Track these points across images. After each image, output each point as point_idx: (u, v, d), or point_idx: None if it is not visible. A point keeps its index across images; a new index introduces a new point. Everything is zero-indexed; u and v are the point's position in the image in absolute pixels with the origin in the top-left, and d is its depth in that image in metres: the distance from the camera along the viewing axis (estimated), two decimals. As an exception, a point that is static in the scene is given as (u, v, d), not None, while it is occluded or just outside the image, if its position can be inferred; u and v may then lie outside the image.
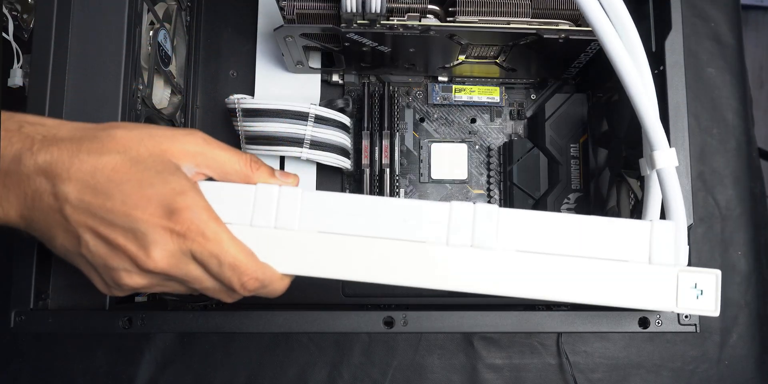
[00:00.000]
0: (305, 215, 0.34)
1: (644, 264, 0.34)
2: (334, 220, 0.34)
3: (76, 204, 0.30)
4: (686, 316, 0.39)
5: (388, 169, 0.51)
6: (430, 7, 0.45)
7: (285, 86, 0.53)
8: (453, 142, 0.55)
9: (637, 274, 0.33)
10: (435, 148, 0.55)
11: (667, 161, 0.36)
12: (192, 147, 0.32)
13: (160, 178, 0.31)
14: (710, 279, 0.33)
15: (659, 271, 0.33)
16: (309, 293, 0.52)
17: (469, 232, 0.34)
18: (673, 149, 0.36)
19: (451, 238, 0.34)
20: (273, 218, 0.34)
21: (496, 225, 0.34)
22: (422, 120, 0.55)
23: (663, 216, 0.39)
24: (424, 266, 0.33)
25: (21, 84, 0.59)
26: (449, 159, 0.55)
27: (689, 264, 0.40)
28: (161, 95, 0.50)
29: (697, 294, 0.33)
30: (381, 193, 0.51)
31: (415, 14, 0.45)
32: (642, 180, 0.42)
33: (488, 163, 0.55)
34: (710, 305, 0.33)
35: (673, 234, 0.34)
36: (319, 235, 0.34)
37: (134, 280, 0.31)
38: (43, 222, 0.31)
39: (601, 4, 0.36)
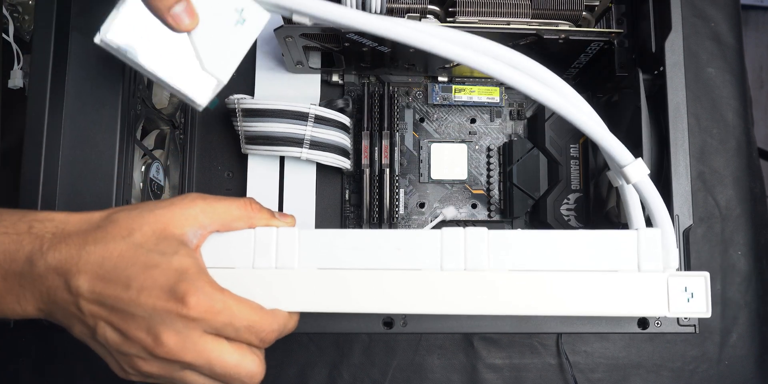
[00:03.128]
0: (303, 254, 0.35)
1: (634, 272, 0.34)
2: (331, 255, 0.35)
3: (87, 296, 0.31)
4: (685, 317, 0.39)
5: (387, 169, 0.51)
6: (430, 7, 0.46)
7: (285, 86, 0.53)
8: (453, 142, 0.55)
9: (628, 283, 0.34)
10: (435, 148, 0.55)
11: (640, 173, 0.36)
12: (191, 210, 0.33)
13: (165, 259, 0.31)
14: (699, 282, 0.34)
15: (649, 278, 0.34)
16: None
17: (461, 256, 0.35)
18: (640, 159, 0.36)
19: (445, 263, 0.34)
20: (273, 259, 0.35)
21: (486, 247, 0.35)
22: (422, 120, 0.55)
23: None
24: (422, 293, 0.34)
25: (21, 85, 0.59)
26: (449, 159, 0.55)
27: (689, 265, 0.41)
28: (161, 95, 0.50)
29: (687, 297, 0.34)
30: (381, 193, 0.51)
31: (415, 14, 0.45)
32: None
33: (488, 163, 0.55)
34: (701, 307, 0.34)
35: (659, 241, 0.35)
36: (318, 271, 0.35)
37: (150, 366, 0.32)
38: (61, 314, 0.32)
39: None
